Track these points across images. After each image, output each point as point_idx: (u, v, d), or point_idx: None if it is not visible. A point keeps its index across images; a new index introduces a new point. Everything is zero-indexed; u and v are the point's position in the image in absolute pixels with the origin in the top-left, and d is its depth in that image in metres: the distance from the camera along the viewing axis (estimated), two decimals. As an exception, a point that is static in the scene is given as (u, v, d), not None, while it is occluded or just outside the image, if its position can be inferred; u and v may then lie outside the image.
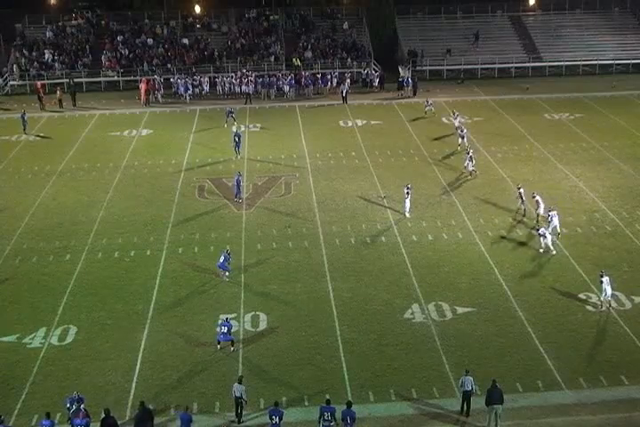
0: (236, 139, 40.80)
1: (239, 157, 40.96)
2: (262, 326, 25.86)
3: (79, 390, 21.68)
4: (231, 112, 46.76)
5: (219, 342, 24.47)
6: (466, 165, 38.40)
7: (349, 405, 20.56)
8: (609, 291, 26.09)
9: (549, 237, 30.39)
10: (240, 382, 21.64)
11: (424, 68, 61.14)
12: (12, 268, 29.98)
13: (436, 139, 44.83)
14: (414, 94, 55.17)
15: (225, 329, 24.42)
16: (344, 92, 52.78)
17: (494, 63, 61.38)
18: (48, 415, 20.35)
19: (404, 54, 62.32)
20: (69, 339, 25.36)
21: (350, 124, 47.92)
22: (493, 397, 20.88)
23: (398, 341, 24.79)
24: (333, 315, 26.34)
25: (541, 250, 30.50)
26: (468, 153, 38.71)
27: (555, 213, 31.51)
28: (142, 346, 24.81)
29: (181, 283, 28.67)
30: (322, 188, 37.44)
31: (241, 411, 21.50)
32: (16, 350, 24.74)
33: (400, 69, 59.50)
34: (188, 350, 24.52)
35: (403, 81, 56.29)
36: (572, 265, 29.39)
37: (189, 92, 54.39)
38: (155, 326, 25.96)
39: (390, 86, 56.90)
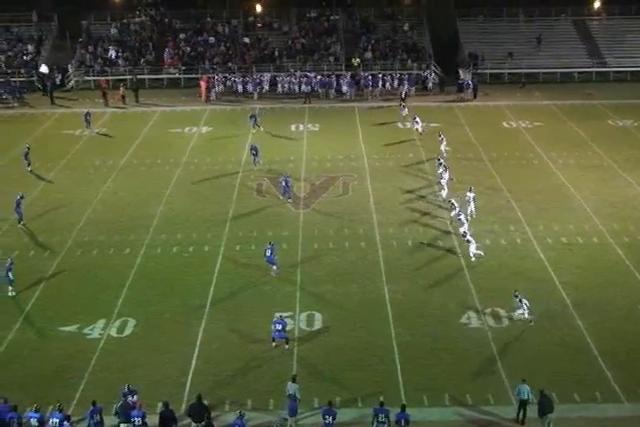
0: (253, 152, 39.91)
1: (255, 168, 39.99)
2: (317, 325, 25.94)
3: (135, 382, 21.99)
4: (253, 116, 45.80)
5: (273, 340, 24.61)
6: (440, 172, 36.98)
7: (403, 408, 20.50)
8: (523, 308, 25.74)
9: (473, 244, 29.90)
10: (294, 381, 21.75)
11: (485, 70, 60.56)
12: (74, 260, 30.60)
13: (495, 142, 44.37)
14: (474, 97, 54.72)
15: (279, 327, 24.55)
16: (404, 93, 52.58)
17: (557, 67, 60.49)
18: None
19: (465, 57, 61.84)
20: (127, 331, 25.80)
21: (409, 125, 47.72)
22: (544, 407, 20.62)
23: (453, 345, 24.62)
24: (388, 317, 26.29)
25: (473, 259, 29.88)
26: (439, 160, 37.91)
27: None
28: (198, 341, 25.09)
29: (238, 280, 28.92)
30: (379, 189, 37.38)
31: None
32: (76, 341, 25.27)
33: (460, 72, 59.08)
34: (242, 346, 24.72)
35: (463, 84, 55.87)
36: (632, 274, 28.82)
37: (255, 90, 54.80)
38: (211, 321, 26.23)
39: (450, 89, 56.53)
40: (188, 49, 61.71)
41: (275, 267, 29.02)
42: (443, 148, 41.12)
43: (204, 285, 28.57)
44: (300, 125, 47.68)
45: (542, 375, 22.73)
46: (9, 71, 57.95)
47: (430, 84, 57.39)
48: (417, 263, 29.98)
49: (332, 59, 60.65)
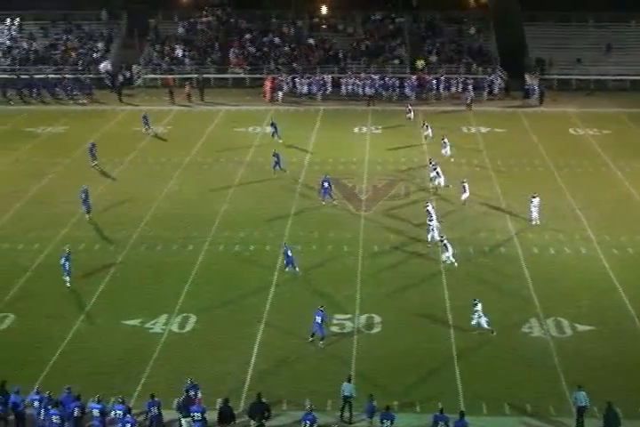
0: (275, 159, 39.05)
1: (275, 176, 39.27)
2: (376, 328, 25.92)
3: (195, 378, 22.16)
4: (274, 124, 44.45)
5: (313, 334, 24.65)
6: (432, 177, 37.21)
7: (462, 415, 20.33)
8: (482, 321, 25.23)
9: (449, 250, 29.62)
10: (349, 381, 21.76)
11: (552, 76, 59.61)
12: (138, 254, 31.14)
13: (561, 149, 43.68)
14: (540, 103, 53.92)
15: (318, 319, 24.49)
16: (469, 99, 52.05)
17: (627, 75, 59.22)
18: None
19: (532, 62, 60.97)
20: (189, 327, 26.14)
21: (473, 130, 47.32)
22: (611, 420, 20.20)
23: (514, 354, 24.32)
24: (448, 322, 26.13)
25: (442, 265, 29.82)
26: (432, 164, 37.52)
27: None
28: (257, 340, 25.28)
29: (299, 280, 29.04)
30: (442, 193, 37.13)
31: (350, 411, 21.60)
32: (138, 334, 25.71)
33: (527, 77, 58.23)
34: (301, 347, 24.80)
35: (529, 89, 55.10)
36: (702, 289, 28.11)
37: (318, 91, 55.01)
38: (270, 320, 26.41)
39: (516, 94, 55.81)
40: (254, 49, 62.21)
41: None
42: (444, 151, 40.85)
43: (264, 284, 28.78)
44: (363, 128, 47.66)
45: (605, 388, 22.29)
46: (79, 68, 59.25)
47: (496, 89, 56.76)
48: (478, 270, 29.71)
49: (396, 61, 60.46)
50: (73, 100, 54.24)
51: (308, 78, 56.51)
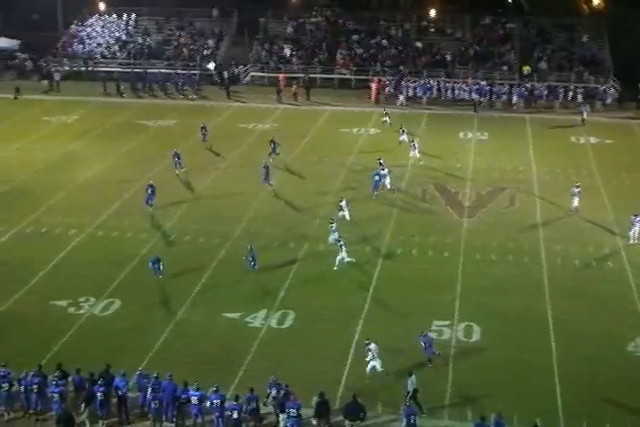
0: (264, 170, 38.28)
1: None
2: (475, 337, 25.61)
3: (290, 374, 22.61)
4: (273, 142, 41.75)
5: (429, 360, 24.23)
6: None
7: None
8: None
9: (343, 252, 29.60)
10: (411, 375, 21.84)
11: (669, 87, 57.38)
12: (241, 249, 31.63)
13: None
14: (655, 114, 52.06)
15: (424, 345, 24.02)
16: (585, 113, 49.88)
17: None
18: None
19: (647, 71, 58.89)
20: (287, 323, 26.46)
21: (583, 140, 46.14)
22: None
23: (619, 373, 23.55)
24: (549, 335, 25.57)
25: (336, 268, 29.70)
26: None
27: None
28: (354, 340, 25.32)
29: (397, 283, 28.97)
30: (547, 203, 36.35)
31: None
32: (238, 327, 26.19)
33: (641, 87, 56.31)
34: (396, 350, 24.64)
35: (644, 100, 53.26)
36: None
37: (424, 94, 54.74)
38: (368, 322, 26.43)
39: (629, 105, 54.03)
40: (361, 50, 62.37)
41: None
42: (412, 154, 41.03)
43: (363, 285, 28.85)
44: (469, 133, 47.11)
45: None
46: (190, 64, 60.75)
47: (609, 99, 55.05)
48: (583, 283, 28.98)
49: (504, 67, 59.48)
50: (183, 95, 55.64)
51: (414, 82, 56.23)
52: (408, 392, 21.88)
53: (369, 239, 32.46)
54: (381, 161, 37.57)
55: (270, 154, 40.54)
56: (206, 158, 42.07)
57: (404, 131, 43.93)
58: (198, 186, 36.79)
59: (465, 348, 25.00)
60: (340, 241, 30.18)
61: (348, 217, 33.50)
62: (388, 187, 36.94)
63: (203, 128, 44.02)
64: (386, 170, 36.96)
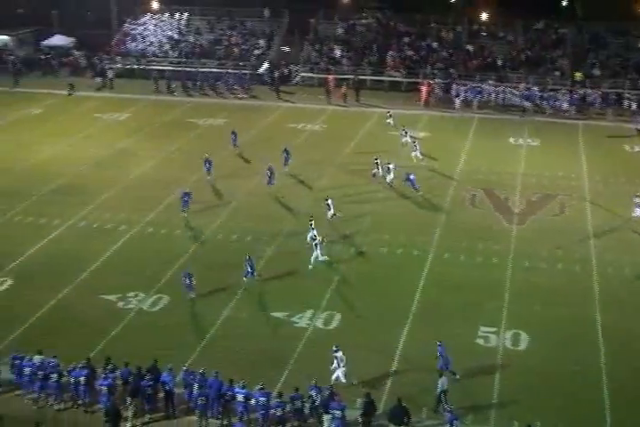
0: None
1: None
2: (522, 345, 25.37)
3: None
4: (286, 151, 40.51)
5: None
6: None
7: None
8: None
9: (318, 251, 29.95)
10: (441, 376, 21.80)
11: None
12: (287, 248, 31.73)
13: None
14: None
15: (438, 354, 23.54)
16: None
17: None
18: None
19: None
20: (333, 324, 26.50)
21: (638, 149, 45.35)
22: None
23: (673, 388, 23.16)
24: (598, 346, 25.21)
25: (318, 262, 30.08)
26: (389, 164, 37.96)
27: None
28: (400, 344, 25.30)
29: (445, 288, 28.80)
30: (599, 212, 35.84)
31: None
32: (284, 326, 26.34)
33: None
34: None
35: (699, 108, 52.10)
36: None
37: (469, 98, 54.31)
38: (414, 326, 26.36)
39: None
40: (411, 53, 62.14)
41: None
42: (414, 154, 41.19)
43: (410, 289, 28.74)
44: (520, 139, 46.61)
45: None
46: (240, 63, 61.15)
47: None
48: (634, 293, 28.52)
49: (557, 73, 58.76)
50: (233, 95, 56.02)
51: (465, 85, 55.84)
52: (440, 393, 21.82)
53: (417, 243, 32.32)
54: (377, 161, 38.59)
55: (285, 163, 39.81)
56: (253, 158, 42.22)
57: (406, 132, 43.85)
58: (244, 185, 37.01)
59: (512, 356, 24.76)
60: (315, 239, 30.32)
61: (329, 215, 33.54)
62: (388, 181, 37.76)
63: (233, 133, 43.51)
64: (392, 165, 37.85)
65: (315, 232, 30.89)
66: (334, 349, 23.26)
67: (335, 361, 23.08)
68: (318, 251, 30.07)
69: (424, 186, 38.15)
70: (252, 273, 28.78)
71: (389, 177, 37.83)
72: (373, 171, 38.75)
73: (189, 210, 34.42)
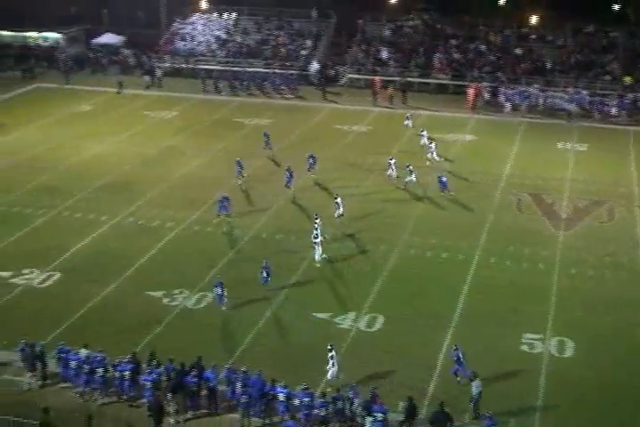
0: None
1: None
2: (568, 353, 25.05)
3: (377, 378, 22.89)
4: (312, 157, 39.72)
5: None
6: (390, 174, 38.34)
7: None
8: None
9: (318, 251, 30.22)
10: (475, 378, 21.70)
11: None
12: (335, 249, 31.74)
13: None
14: None
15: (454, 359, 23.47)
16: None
17: None
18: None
19: None
20: (376, 327, 26.45)
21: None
22: None
23: None
24: (646, 356, 24.82)
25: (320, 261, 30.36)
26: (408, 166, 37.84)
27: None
28: (443, 348, 25.12)
29: (490, 293, 28.57)
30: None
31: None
32: (327, 327, 26.35)
33: None
34: (487, 361, 24.33)
35: None
36: None
37: (516, 102, 53.74)
38: (457, 330, 26.19)
39: None
40: (458, 55, 61.73)
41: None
42: (430, 156, 41.06)
43: (454, 293, 28.56)
44: (568, 144, 45.98)
45: None
46: (287, 63, 61.36)
47: None
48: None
49: (607, 77, 57.88)
50: (279, 95, 56.21)
51: (513, 89, 55.27)
52: (473, 396, 21.73)
53: (462, 247, 32.09)
54: (392, 161, 38.51)
55: (309, 169, 39.20)
56: (297, 158, 42.17)
57: (424, 135, 43.59)
58: (295, 183, 37.18)
59: (557, 363, 24.48)
60: (317, 238, 30.33)
61: (337, 214, 33.60)
62: (406, 182, 37.64)
63: (265, 135, 43.07)
64: (412, 166, 37.72)
65: (317, 231, 30.90)
66: (329, 348, 23.31)
67: (330, 361, 23.16)
68: (319, 249, 30.29)
69: (469, 189, 37.95)
70: (268, 280, 28.16)
71: (409, 178, 37.49)
72: (388, 172, 38.49)
73: (230, 214, 34.23)
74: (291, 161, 39.19)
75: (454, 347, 23.47)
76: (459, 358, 23.20)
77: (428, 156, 41.32)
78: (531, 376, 23.75)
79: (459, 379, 23.22)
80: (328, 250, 31.30)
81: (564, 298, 28.31)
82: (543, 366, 24.23)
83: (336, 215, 33.73)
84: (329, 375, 23.19)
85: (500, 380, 23.44)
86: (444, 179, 37.00)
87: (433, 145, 41.60)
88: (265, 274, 28.20)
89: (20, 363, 23.48)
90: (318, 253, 30.43)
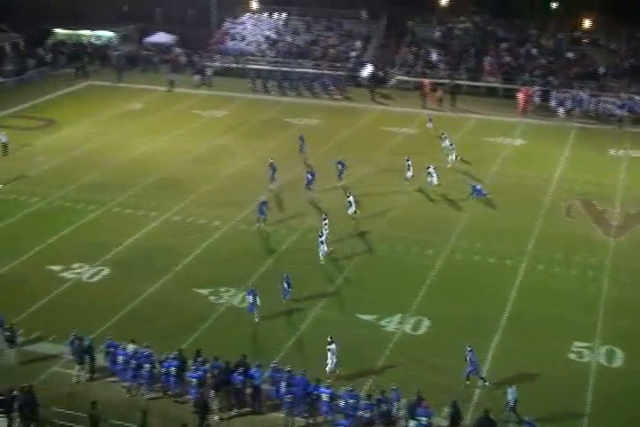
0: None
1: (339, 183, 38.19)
2: (617, 362, 24.69)
3: (420, 381, 22.88)
4: (341, 163, 39.09)
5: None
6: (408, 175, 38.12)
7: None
8: None
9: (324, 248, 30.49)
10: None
11: None
12: (378, 251, 31.71)
13: None
14: None
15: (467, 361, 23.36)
16: None
17: None
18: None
19: None
20: (421, 330, 26.38)
21: None
22: None
23: None
24: (699, 368, 24.29)
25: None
26: (428, 167, 37.92)
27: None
28: (489, 354, 24.97)
29: (537, 300, 28.27)
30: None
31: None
32: (372, 330, 26.34)
33: None
34: (534, 367, 24.17)
35: None
36: None
37: (568, 107, 52.98)
38: (505, 336, 25.98)
39: None
40: (509, 59, 61.09)
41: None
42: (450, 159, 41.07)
43: (501, 299, 28.32)
44: (620, 150, 45.17)
45: None
46: (336, 64, 61.38)
47: None
48: None
49: (661, 82, 56.84)
50: (328, 95, 56.23)
51: (565, 93, 54.49)
52: (508, 402, 21.67)
53: (510, 252, 31.78)
54: (409, 162, 38.32)
55: (339, 176, 38.65)
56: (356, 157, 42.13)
57: (445, 137, 43.18)
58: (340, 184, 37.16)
59: (606, 373, 24.12)
60: (321, 237, 30.48)
61: (350, 211, 33.96)
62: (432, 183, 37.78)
63: (300, 139, 42.94)
64: (432, 168, 37.91)
65: (323, 230, 31.12)
66: (329, 340, 23.52)
67: (329, 353, 23.32)
68: (324, 248, 30.51)
69: (517, 194, 37.56)
70: (288, 292, 27.48)
71: (431, 179, 37.55)
72: (407, 174, 38.22)
73: (266, 219, 33.90)
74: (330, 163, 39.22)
75: (468, 348, 23.34)
76: (471, 359, 23.16)
77: (448, 159, 41.26)
78: (578, 385, 23.43)
79: (487, 383, 23.22)
80: (374, 251, 31.31)
81: (614, 306, 27.86)
82: (591, 375, 23.88)
83: (349, 213, 33.79)
84: (327, 368, 23.42)
85: (547, 387, 23.16)
86: (479, 187, 36.73)
87: (453, 148, 41.52)
88: (286, 285, 27.45)
89: (69, 356, 23.89)
90: (323, 250, 30.59)
